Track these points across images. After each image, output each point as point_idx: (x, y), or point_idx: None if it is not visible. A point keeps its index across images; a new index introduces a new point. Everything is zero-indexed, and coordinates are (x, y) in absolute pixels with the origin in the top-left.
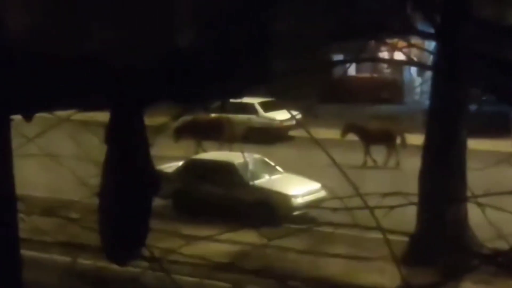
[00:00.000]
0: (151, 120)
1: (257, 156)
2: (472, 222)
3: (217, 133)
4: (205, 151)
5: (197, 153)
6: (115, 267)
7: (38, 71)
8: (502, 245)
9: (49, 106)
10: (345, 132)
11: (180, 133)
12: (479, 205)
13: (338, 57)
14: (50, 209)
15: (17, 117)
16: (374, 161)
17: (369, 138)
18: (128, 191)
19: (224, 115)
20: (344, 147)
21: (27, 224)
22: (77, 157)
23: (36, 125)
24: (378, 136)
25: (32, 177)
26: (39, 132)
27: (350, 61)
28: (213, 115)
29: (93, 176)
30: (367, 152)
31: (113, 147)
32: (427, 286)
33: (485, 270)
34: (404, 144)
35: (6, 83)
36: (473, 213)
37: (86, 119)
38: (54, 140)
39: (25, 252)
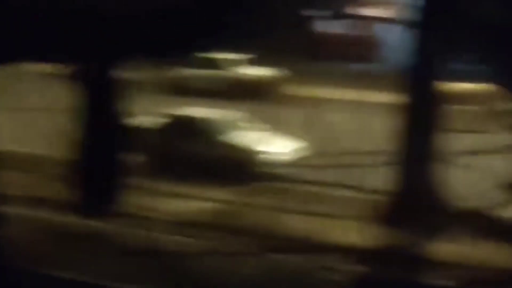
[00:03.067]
0: (125, 74)
1: (230, 112)
2: (449, 182)
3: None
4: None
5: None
6: (86, 221)
7: (9, 22)
8: (477, 205)
9: (19, 58)
10: None
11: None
12: (456, 165)
13: (316, 14)
14: (19, 163)
15: None
16: None
17: None
18: (100, 146)
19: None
20: (324, 105)
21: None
22: (47, 110)
23: (3, 78)
24: None
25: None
26: (5, 85)
27: (330, 18)
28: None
29: (64, 130)
30: None
31: (85, 101)
32: (401, 246)
33: (460, 230)
34: None
35: None
36: (450, 173)
37: (57, 73)
38: (22, 94)
39: (2, 209)
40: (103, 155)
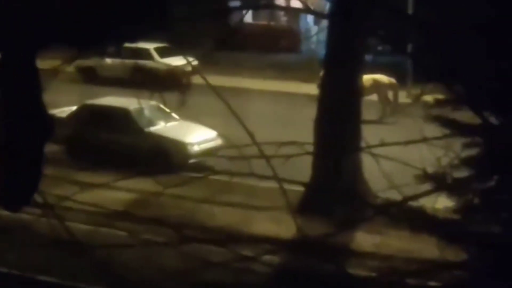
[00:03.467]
0: (44, 63)
1: (152, 102)
2: (366, 172)
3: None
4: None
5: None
6: (6, 213)
7: None
8: (395, 195)
9: None
10: None
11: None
12: (373, 155)
13: (235, 3)
14: None
15: None
16: None
17: None
18: (20, 136)
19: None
20: (242, 96)
21: None
22: None
23: None
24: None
25: None
26: None
27: (247, 8)
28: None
29: None
30: None
31: (4, 91)
32: (321, 236)
33: (378, 221)
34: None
35: None
36: (367, 164)
37: None
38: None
39: None
40: (21, 145)
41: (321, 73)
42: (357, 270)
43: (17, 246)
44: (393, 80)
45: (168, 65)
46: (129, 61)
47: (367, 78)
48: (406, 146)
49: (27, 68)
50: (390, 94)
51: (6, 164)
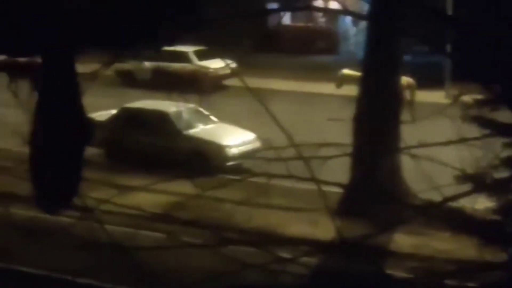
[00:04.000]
0: (83, 67)
1: (191, 105)
2: (406, 173)
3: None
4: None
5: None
6: (47, 216)
7: None
8: (435, 196)
9: None
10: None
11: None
12: (413, 156)
13: (273, 5)
14: None
15: None
16: None
17: None
18: (59, 140)
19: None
20: (281, 97)
21: None
22: (8, 105)
23: None
24: None
25: None
26: None
27: (285, 10)
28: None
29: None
30: None
31: (44, 95)
32: (360, 238)
33: (418, 222)
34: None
35: None
36: (407, 165)
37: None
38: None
39: None
40: (61, 149)
41: (360, 74)
42: (396, 272)
43: (57, 249)
44: (411, 80)
45: (207, 68)
46: (167, 64)
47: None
48: (446, 146)
49: (66, 72)
50: (408, 94)
51: (46, 167)
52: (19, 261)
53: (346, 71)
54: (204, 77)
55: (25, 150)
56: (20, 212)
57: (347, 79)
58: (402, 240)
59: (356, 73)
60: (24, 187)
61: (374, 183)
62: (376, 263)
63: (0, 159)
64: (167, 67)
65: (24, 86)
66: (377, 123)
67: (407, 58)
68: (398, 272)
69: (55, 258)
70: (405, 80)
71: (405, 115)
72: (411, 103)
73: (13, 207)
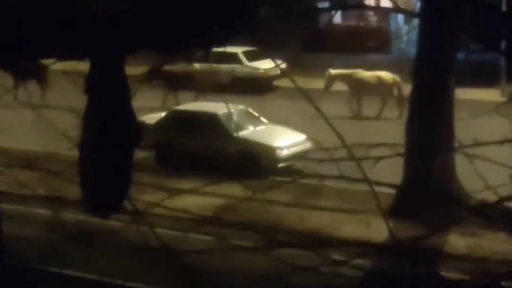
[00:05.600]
0: (132, 69)
1: (241, 106)
2: (460, 173)
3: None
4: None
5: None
6: (97, 220)
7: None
8: (490, 196)
9: (31, 54)
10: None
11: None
12: (467, 155)
13: (324, 4)
14: (30, 161)
15: None
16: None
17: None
18: (109, 143)
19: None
20: (332, 97)
21: (6, 177)
22: (58, 108)
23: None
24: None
25: (11, 129)
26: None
27: (336, 9)
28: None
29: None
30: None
31: (93, 97)
32: (413, 239)
33: (473, 222)
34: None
35: None
36: (461, 164)
37: (67, 69)
38: (34, 91)
39: (5, 206)
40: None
41: (412, 73)
42: (450, 273)
43: (107, 253)
44: (396, 77)
45: (258, 69)
46: (217, 66)
47: (371, 75)
48: (501, 145)
49: (115, 74)
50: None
51: (96, 171)
52: (70, 265)
53: (332, 70)
54: (258, 78)
55: (75, 153)
56: (70, 216)
57: (335, 79)
58: (457, 241)
59: (343, 72)
60: (74, 191)
61: (427, 183)
62: (430, 264)
63: (50, 163)
64: (221, 68)
65: (71, 90)
66: (430, 122)
67: (461, 56)
68: (452, 274)
69: (105, 262)
70: (391, 77)
71: (393, 111)
72: (399, 99)
73: (62, 211)
